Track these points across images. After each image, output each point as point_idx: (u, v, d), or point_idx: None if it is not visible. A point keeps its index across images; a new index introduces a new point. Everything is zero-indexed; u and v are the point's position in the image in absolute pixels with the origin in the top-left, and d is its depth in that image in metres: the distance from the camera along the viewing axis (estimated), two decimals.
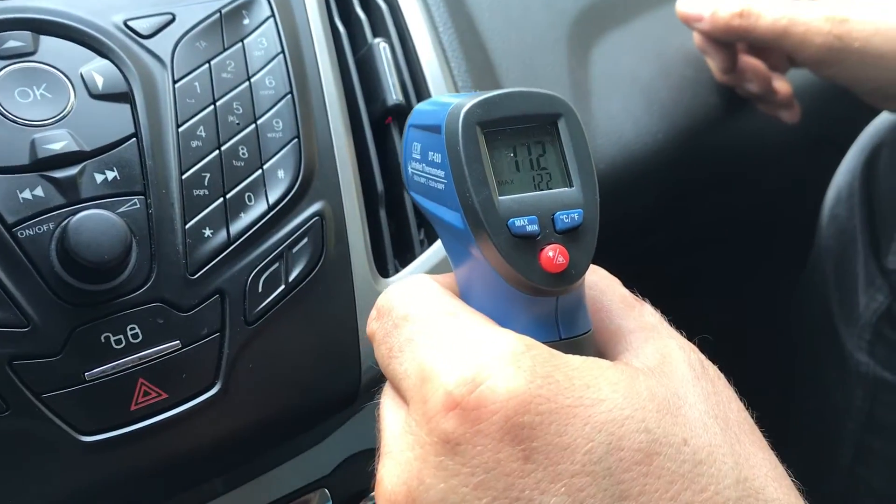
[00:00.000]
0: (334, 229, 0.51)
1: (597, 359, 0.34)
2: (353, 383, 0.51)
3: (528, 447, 0.30)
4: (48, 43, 0.47)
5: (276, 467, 0.56)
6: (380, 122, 0.59)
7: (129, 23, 0.50)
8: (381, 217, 0.57)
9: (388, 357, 0.36)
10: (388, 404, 0.37)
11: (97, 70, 0.47)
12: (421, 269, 0.56)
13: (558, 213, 0.35)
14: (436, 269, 0.56)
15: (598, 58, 0.78)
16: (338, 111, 0.54)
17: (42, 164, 0.44)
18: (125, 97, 0.47)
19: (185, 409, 0.45)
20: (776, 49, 0.75)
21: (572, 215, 0.35)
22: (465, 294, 0.38)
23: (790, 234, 1.07)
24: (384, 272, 0.55)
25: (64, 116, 0.46)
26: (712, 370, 0.36)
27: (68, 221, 0.42)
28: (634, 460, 0.31)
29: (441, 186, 0.36)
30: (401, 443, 0.34)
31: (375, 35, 0.61)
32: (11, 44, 0.46)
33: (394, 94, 0.58)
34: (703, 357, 0.37)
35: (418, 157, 0.38)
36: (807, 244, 0.97)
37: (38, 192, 0.43)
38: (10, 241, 0.42)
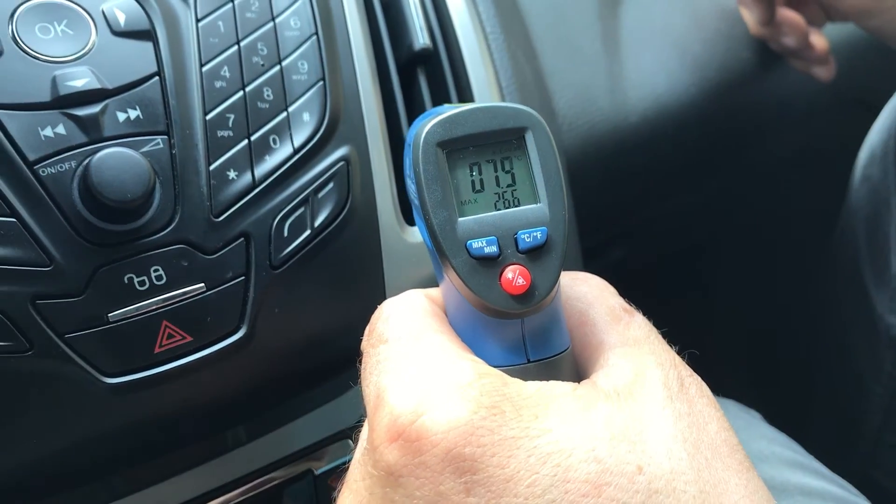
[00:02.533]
0: (360, 175, 0.50)
1: (555, 385, 0.33)
2: None
3: (470, 480, 0.30)
4: None
5: (299, 417, 0.56)
6: (407, 67, 0.57)
7: None
8: None
9: (362, 378, 0.36)
10: (363, 429, 0.37)
11: (119, 6, 0.46)
12: None
13: (520, 232, 0.34)
14: None
15: (631, 7, 0.76)
16: (364, 54, 0.53)
17: (63, 102, 0.43)
18: (147, 35, 0.46)
19: (210, 353, 0.44)
20: (816, 1, 0.73)
21: (535, 234, 0.34)
22: (447, 310, 0.38)
23: (821, 194, 1.05)
24: (410, 220, 0.54)
25: (85, 53, 0.45)
26: (694, 388, 0.35)
27: (90, 159, 0.41)
28: (581, 492, 0.30)
29: (418, 204, 0.36)
30: (355, 472, 0.34)
31: None
32: None
33: (421, 39, 0.56)
34: (686, 374, 0.35)
35: (407, 171, 0.38)
36: (837, 205, 0.95)
37: (60, 129, 0.42)
38: (31, 179, 0.41)
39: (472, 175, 0.35)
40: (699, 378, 0.35)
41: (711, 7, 0.79)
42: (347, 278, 0.49)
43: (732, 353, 1.17)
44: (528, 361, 0.35)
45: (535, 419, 0.31)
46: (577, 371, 0.37)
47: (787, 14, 0.74)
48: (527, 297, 0.34)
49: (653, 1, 0.76)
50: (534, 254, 0.34)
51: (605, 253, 0.97)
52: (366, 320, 0.50)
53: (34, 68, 0.43)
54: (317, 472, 0.57)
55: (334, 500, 0.36)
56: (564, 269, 0.41)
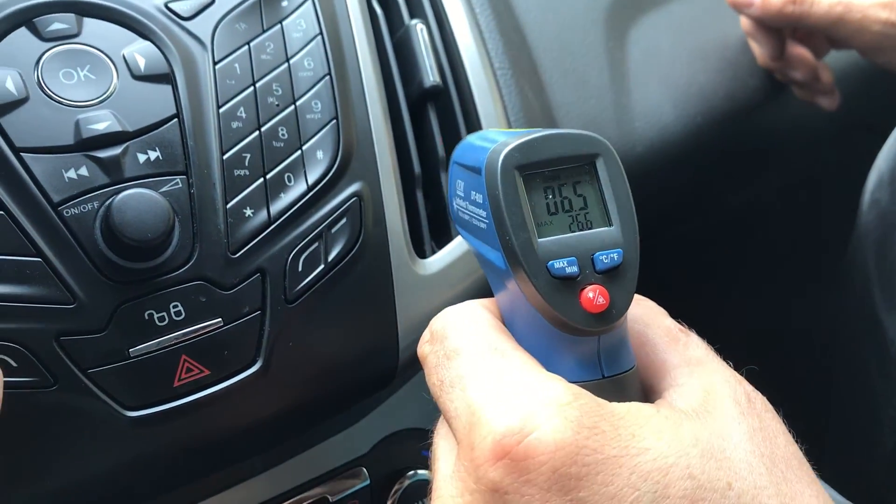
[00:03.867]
0: (372, 210, 0.52)
1: (641, 405, 0.35)
2: (390, 363, 0.52)
3: (576, 497, 0.31)
4: (91, 25, 0.48)
5: (314, 446, 0.57)
6: (417, 104, 0.59)
7: (170, 4, 0.50)
8: (418, 198, 0.57)
9: (440, 390, 0.37)
10: (441, 442, 0.38)
11: (139, 51, 0.48)
12: (457, 250, 0.56)
13: (597, 253, 0.36)
14: (470, 253, 0.56)
15: (637, 39, 0.77)
16: (375, 93, 0.55)
17: (86, 144, 0.45)
18: (167, 78, 0.48)
19: (227, 386, 0.46)
20: (827, 35, 0.74)
21: (612, 255, 0.36)
22: (508, 325, 0.39)
23: (829, 220, 1.05)
24: (421, 253, 0.55)
25: (107, 97, 0.46)
26: (759, 403, 0.36)
27: (112, 200, 0.43)
28: None
29: (483, 226, 0.37)
30: (450, 487, 0.34)
31: (412, 16, 0.61)
32: (56, 26, 0.47)
33: (431, 76, 0.58)
34: (749, 390, 0.36)
35: (462, 194, 0.39)
36: (847, 230, 0.96)
37: (83, 171, 0.44)
38: (55, 220, 0.43)
39: (547, 198, 0.36)
40: (760, 393, 0.37)
41: (716, 37, 0.81)
42: (360, 311, 0.50)
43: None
44: (603, 377, 0.37)
45: (633, 438, 0.32)
46: (642, 389, 0.39)
47: (796, 49, 0.76)
48: (605, 316, 0.35)
49: (658, 33, 0.77)
50: (611, 274, 0.36)
51: None
52: (378, 351, 0.52)
53: (58, 113, 0.45)
54: (332, 500, 0.58)
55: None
56: None
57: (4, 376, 0.41)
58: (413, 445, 0.62)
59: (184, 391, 0.45)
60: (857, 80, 0.88)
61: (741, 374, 0.38)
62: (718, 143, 0.81)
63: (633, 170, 0.74)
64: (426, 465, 0.62)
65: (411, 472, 0.61)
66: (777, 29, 0.74)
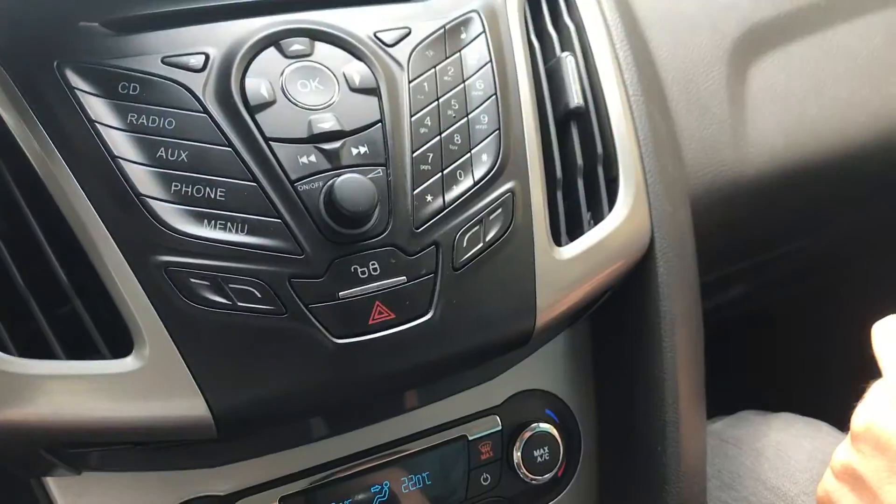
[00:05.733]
0: (521, 204, 0.64)
1: None
2: (528, 327, 0.64)
3: None
4: (321, 47, 0.62)
5: (459, 393, 0.70)
6: (562, 121, 0.71)
7: (378, 34, 0.64)
8: (558, 198, 0.69)
9: None
10: None
11: (356, 69, 0.62)
12: (586, 242, 0.68)
13: None
14: (601, 244, 0.68)
15: (756, 75, 0.87)
16: (530, 110, 0.67)
17: (316, 138, 0.59)
18: (374, 91, 0.62)
19: (407, 328, 0.59)
20: None
21: None
22: None
23: None
24: (557, 242, 0.67)
25: (331, 104, 0.61)
26: None
27: (334, 181, 0.57)
28: None
29: None
30: None
31: (563, 49, 0.73)
32: (295, 47, 0.62)
33: (575, 99, 0.70)
34: None
35: None
36: None
37: (312, 158, 0.59)
38: (292, 193, 0.58)
39: None
40: None
41: (829, 76, 0.90)
42: (508, 282, 0.63)
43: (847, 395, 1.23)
44: None
45: None
46: None
47: None
48: None
49: (776, 70, 0.87)
50: None
51: (723, 290, 1.07)
52: (519, 316, 0.64)
53: (296, 113, 0.60)
54: (470, 438, 0.71)
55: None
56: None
57: (251, 303, 0.56)
58: (538, 403, 0.75)
59: (376, 328, 0.58)
60: None
61: None
62: (827, 173, 0.90)
63: (745, 190, 0.85)
64: (548, 419, 0.75)
65: (534, 425, 0.74)
66: None
